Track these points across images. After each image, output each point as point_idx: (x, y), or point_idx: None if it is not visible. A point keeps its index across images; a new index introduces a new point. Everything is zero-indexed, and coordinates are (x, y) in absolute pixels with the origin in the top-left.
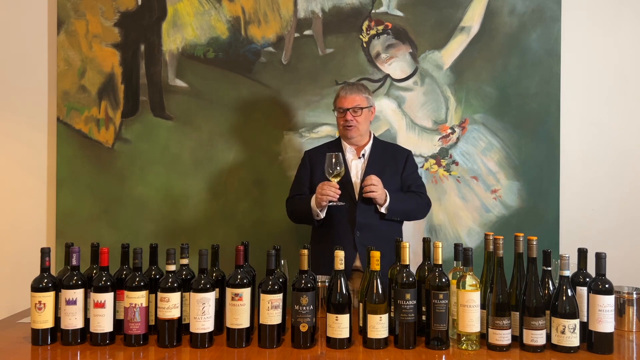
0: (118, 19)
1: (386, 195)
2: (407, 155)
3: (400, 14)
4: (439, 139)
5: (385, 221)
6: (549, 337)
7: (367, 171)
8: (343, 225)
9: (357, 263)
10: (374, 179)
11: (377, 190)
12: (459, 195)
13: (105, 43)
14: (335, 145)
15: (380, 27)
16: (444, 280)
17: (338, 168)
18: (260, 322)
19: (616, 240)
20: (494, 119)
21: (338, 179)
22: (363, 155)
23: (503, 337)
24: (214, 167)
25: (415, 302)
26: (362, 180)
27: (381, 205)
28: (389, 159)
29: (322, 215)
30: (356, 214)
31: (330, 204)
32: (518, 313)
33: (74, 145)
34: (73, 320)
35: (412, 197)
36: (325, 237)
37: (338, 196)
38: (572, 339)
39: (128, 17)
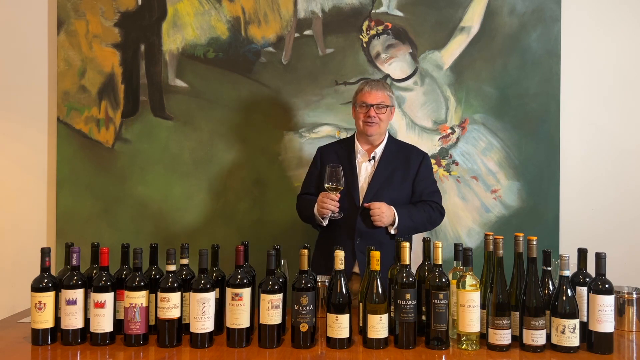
0: (118, 19)
1: (394, 215)
2: (422, 158)
3: (400, 14)
4: (439, 139)
5: (387, 229)
6: (549, 337)
7: (376, 175)
8: (343, 231)
9: (356, 269)
10: (377, 206)
11: (383, 217)
12: (459, 195)
13: (105, 43)
14: (348, 144)
15: (380, 27)
16: (444, 280)
17: (337, 182)
18: (260, 322)
19: (616, 240)
20: (494, 119)
21: (338, 192)
22: (373, 157)
23: (503, 337)
24: (214, 167)
25: (415, 302)
26: (370, 183)
27: (391, 226)
28: (401, 162)
29: (325, 223)
30: (356, 221)
31: (330, 216)
32: (518, 313)
33: (74, 145)
34: (73, 320)
35: (423, 209)
36: (326, 241)
37: (337, 209)
38: (572, 339)
39: (128, 17)
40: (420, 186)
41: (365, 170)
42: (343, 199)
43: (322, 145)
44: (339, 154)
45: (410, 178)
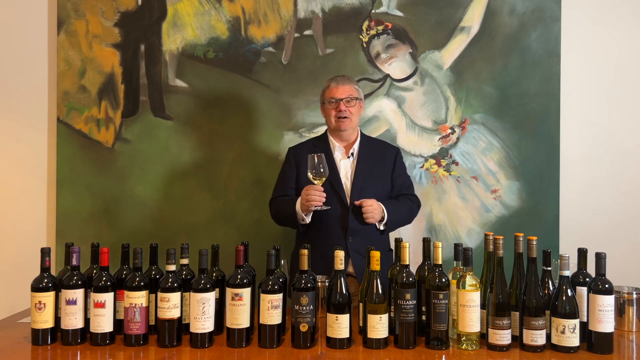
0: (118, 19)
1: (383, 211)
2: (396, 152)
3: (400, 14)
4: (439, 139)
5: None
6: (549, 337)
7: (357, 171)
8: (335, 231)
9: (350, 269)
10: (369, 203)
11: (375, 214)
12: (459, 195)
13: (105, 43)
14: (322, 142)
15: (380, 27)
16: (444, 280)
17: (322, 170)
18: (260, 322)
19: (616, 240)
20: (494, 119)
21: (322, 181)
22: (352, 154)
23: (503, 337)
24: (214, 167)
25: (415, 302)
26: (353, 182)
27: (379, 222)
28: (379, 157)
29: (308, 220)
30: (349, 220)
31: (316, 208)
32: (518, 313)
33: (74, 145)
34: (73, 320)
35: (405, 204)
36: (314, 242)
37: (324, 200)
38: (572, 339)
39: (128, 17)
40: (398, 180)
41: (344, 167)
42: (329, 197)
43: (292, 145)
44: (314, 153)
45: (389, 173)
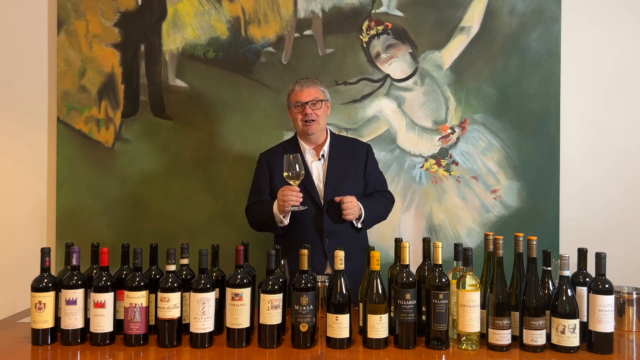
0: (118, 19)
1: (360, 209)
2: (367, 150)
3: (400, 14)
4: (439, 139)
5: (351, 224)
6: (549, 337)
7: (329, 172)
8: (311, 233)
9: (328, 270)
10: (349, 200)
11: (355, 210)
12: (459, 195)
13: (105, 43)
14: (293, 145)
15: (380, 27)
16: (444, 280)
17: (297, 170)
18: (260, 322)
19: (616, 240)
20: (494, 119)
21: (298, 181)
22: (323, 155)
23: (503, 337)
24: (214, 167)
25: (415, 302)
26: (326, 183)
27: (357, 220)
28: (350, 156)
29: (286, 221)
30: (323, 221)
31: (293, 208)
32: (518, 313)
33: (74, 145)
34: (73, 320)
35: (380, 200)
36: (290, 246)
37: (301, 200)
38: (572, 339)
39: (128, 17)
40: (371, 178)
41: (316, 169)
42: (304, 199)
43: (263, 151)
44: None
45: (361, 171)
